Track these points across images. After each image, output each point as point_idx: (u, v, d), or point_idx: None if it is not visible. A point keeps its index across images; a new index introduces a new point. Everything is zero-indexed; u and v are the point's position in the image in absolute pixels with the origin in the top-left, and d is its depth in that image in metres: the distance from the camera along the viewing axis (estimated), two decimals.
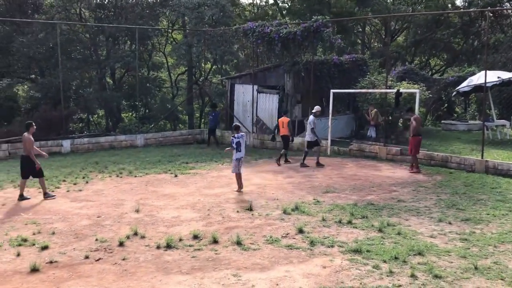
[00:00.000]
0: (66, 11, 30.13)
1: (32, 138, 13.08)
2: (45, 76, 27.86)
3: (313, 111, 18.29)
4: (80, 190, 14.00)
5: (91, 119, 33.28)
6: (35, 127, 13.34)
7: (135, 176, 16.07)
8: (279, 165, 18.26)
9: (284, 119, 19.03)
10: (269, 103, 24.18)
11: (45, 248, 9.07)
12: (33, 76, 29.74)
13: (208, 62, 33.01)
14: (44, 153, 14.02)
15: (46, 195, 13.18)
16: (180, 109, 34.43)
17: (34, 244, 9.28)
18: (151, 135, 25.13)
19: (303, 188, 14.24)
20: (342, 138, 22.78)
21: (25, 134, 13.06)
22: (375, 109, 22.25)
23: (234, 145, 14.01)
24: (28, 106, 28.90)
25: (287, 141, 19.03)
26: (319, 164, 17.70)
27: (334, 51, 24.65)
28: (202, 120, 35.29)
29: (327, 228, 10.20)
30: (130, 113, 35.16)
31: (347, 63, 24.78)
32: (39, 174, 13.24)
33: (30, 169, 13.11)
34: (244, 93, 25.42)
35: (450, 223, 10.62)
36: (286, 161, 18.74)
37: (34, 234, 9.91)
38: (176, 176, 16.15)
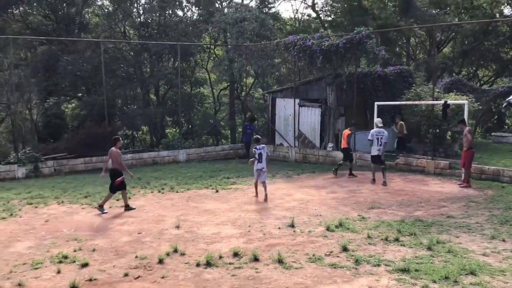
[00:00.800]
0: (111, 29, 30.80)
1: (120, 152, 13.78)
2: (91, 93, 28.41)
3: (379, 124, 17.20)
4: (123, 206, 14.02)
5: (136, 135, 33.73)
6: (121, 141, 14.14)
7: (177, 192, 16.03)
8: (354, 176, 18.35)
9: (345, 132, 18.76)
10: (311, 116, 23.89)
11: (85, 265, 9.02)
12: (79, 94, 30.41)
13: (250, 77, 33.03)
14: (130, 172, 14.28)
15: (101, 209, 13.43)
16: (222, 124, 34.55)
17: (74, 261, 9.25)
18: (193, 150, 25.18)
19: (347, 203, 13.85)
20: (387, 151, 22.20)
21: (113, 148, 13.63)
22: (401, 122, 21.84)
23: (256, 156, 14.82)
24: (75, 123, 29.56)
25: (346, 153, 18.66)
26: (384, 183, 16.53)
27: (378, 63, 24.17)
28: None
29: (373, 246, 9.79)
30: (174, 129, 35.49)
31: (391, 74, 24.29)
32: (120, 187, 13.67)
33: (112, 183, 13.57)
34: (285, 107, 25.21)
35: (504, 240, 10.05)
36: (350, 174, 18.43)
37: (75, 251, 9.91)
38: (217, 191, 16.04)
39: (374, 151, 16.97)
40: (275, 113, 26.01)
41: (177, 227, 11.49)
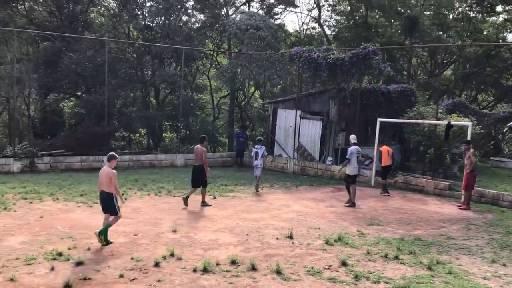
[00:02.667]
0: (115, 30, 30.70)
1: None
2: (91, 92, 28.26)
3: (354, 141, 16.04)
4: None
5: (133, 137, 33.54)
6: (207, 141, 16.07)
7: (174, 196, 15.87)
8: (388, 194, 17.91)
9: (389, 149, 18.21)
10: (312, 129, 23.79)
11: (79, 264, 8.85)
12: (79, 93, 30.26)
13: (252, 86, 32.96)
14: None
15: (204, 203, 14.45)
16: (220, 131, 34.40)
17: (69, 259, 9.08)
18: (191, 155, 25.01)
19: (346, 218, 13.72)
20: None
21: (199, 146, 14.62)
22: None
23: (253, 154, 17.71)
24: (72, 121, 29.38)
25: (389, 171, 18.48)
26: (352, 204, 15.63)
27: (381, 80, 24.13)
28: None
29: (372, 262, 9.66)
30: (172, 133, 35.33)
31: (394, 92, 24.22)
32: (204, 184, 14.64)
33: (200, 179, 14.58)
34: (286, 118, 25.14)
35: (504, 265, 9.93)
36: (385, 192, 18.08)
37: (69, 249, 9.72)
38: (214, 198, 15.91)
39: (355, 170, 15.74)
40: (275, 124, 25.93)
41: (174, 231, 11.33)
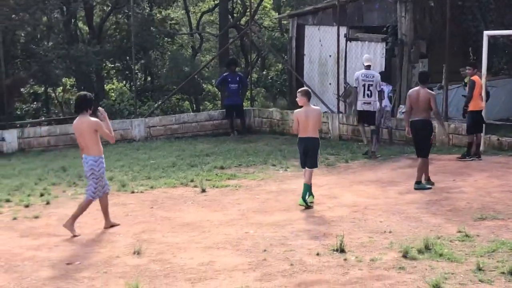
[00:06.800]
0: None
1: None
2: None
3: (367, 63, 20.01)
4: (37, 217, 14.03)
5: (53, 94, 33.66)
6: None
7: (132, 192, 16.06)
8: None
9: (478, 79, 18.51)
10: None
11: None
12: None
13: None
14: None
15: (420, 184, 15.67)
16: (206, 74, 34.35)
17: None
18: (157, 120, 25.17)
19: (437, 211, 13.79)
20: (506, 120, 22.08)
21: (419, 88, 15.58)
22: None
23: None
24: None
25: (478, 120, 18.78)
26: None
27: None
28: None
29: (487, 284, 9.74)
30: (121, 84, 35.38)
31: None
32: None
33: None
34: (322, 41, 25.17)
35: None
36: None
37: None
38: (203, 191, 16.10)
39: (359, 104, 19.99)
40: (302, 53, 25.92)
41: (137, 252, 11.44)
